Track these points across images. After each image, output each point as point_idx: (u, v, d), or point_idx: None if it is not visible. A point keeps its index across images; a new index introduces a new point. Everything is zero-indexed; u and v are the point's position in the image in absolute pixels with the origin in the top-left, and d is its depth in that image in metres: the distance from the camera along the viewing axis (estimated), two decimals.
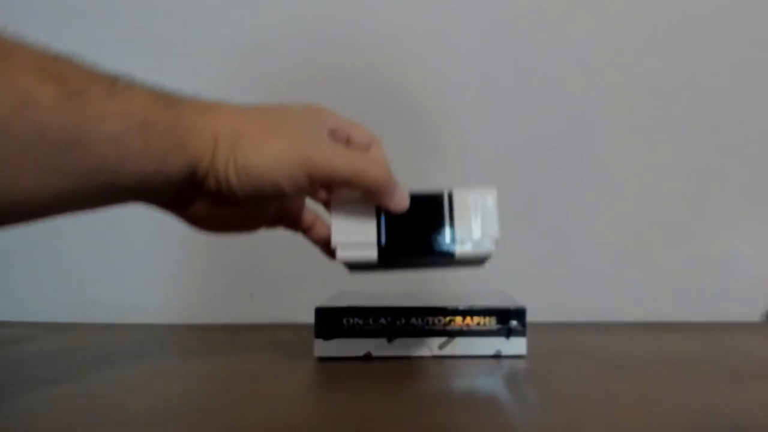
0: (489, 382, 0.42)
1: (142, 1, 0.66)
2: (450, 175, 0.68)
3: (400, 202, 0.35)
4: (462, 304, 0.48)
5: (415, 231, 0.36)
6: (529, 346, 0.49)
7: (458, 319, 0.48)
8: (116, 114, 0.28)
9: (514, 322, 0.48)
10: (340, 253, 0.35)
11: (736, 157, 0.69)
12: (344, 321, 0.46)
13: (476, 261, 0.38)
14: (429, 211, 0.36)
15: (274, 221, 0.40)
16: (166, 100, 0.30)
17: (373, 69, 0.67)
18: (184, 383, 0.41)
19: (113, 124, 0.27)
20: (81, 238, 0.67)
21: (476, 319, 0.48)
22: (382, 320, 0.47)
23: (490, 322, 0.48)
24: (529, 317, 0.49)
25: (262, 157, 0.31)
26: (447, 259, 0.37)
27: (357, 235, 0.35)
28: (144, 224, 0.67)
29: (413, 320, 0.48)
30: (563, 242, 0.69)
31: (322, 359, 0.46)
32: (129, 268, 0.69)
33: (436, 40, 0.67)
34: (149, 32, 0.67)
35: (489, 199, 0.37)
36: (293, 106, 0.36)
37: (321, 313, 0.47)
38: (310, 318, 0.47)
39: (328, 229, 0.37)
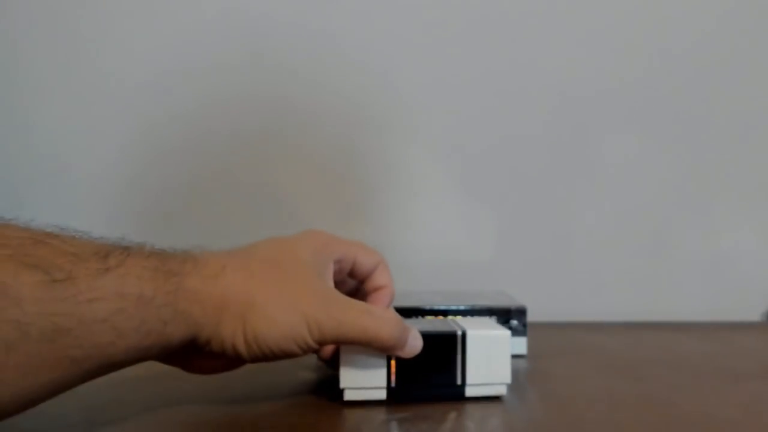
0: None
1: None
2: (450, 174, 0.68)
3: (412, 351, 0.35)
4: (462, 304, 0.48)
5: (425, 371, 0.35)
6: (530, 345, 0.49)
7: (459, 318, 0.48)
8: (109, 294, 0.26)
9: (514, 322, 0.48)
10: (348, 396, 0.35)
11: (736, 156, 0.69)
12: None
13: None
14: (440, 351, 0.36)
15: None
16: (167, 269, 0.29)
17: (370, 64, 0.67)
18: (184, 383, 0.41)
19: (106, 305, 0.26)
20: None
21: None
22: None
23: None
24: (530, 317, 0.49)
25: (275, 329, 0.31)
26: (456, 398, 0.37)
27: (366, 380, 0.35)
28: (143, 224, 0.67)
29: (414, 320, 0.48)
30: (563, 242, 0.69)
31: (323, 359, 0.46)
32: None
33: (437, 39, 0.67)
34: (140, 29, 0.66)
35: (501, 342, 0.37)
36: (297, 243, 0.36)
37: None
38: None
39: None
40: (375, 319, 0.33)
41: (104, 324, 0.26)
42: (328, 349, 0.37)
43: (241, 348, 0.31)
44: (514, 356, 0.48)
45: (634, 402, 0.37)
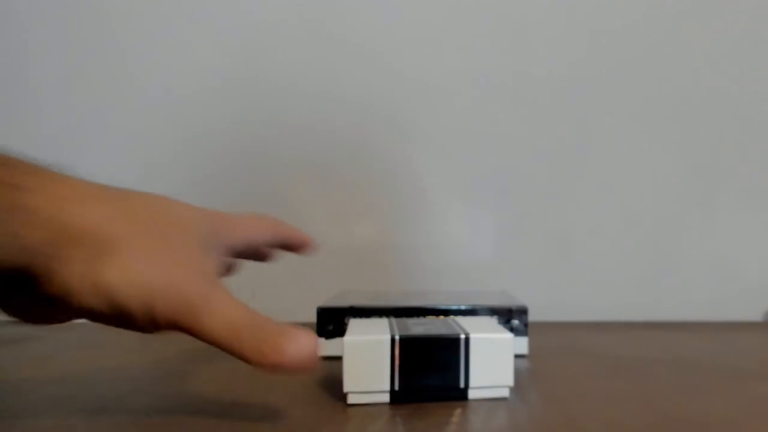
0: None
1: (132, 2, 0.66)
2: (450, 175, 0.68)
3: (291, 361, 0.27)
4: (464, 304, 0.48)
5: (428, 374, 0.36)
6: (531, 345, 0.49)
7: (460, 319, 0.48)
8: None
9: (515, 322, 0.48)
10: (352, 399, 0.35)
11: (738, 156, 0.69)
12: (346, 320, 0.47)
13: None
14: (443, 354, 0.36)
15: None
16: (8, 181, 0.25)
17: (370, 65, 0.67)
18: (185, 383, 0.41)
19: None
20: None
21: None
22: None
23: None
24: (531, 317, 0.49)
25: (129, 285, 0.25)
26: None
27: (369, 383, 0.35)
28: None
29: (415, 320, 0.48)
30: (564, 242, 0.69)
31: (324, 359, 0.46)
32: None
33: (440, 41, 0.67)
34: (139, 31, 0.67)
35: (504, 345, 0.37)
36: (193, 211, 0.31)
37: (323, 312, 0.47)
38: (312, 317, 0.47)
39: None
40: (244, 321, 0.27)
41: None
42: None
43: (86, 296, 0.25)
44: (515, 356, 0.48)
45: (634, 402, 0.37)
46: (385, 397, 0.35)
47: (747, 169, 0.70)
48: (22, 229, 0.24)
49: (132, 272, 0.25)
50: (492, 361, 0.36)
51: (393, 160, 0.68)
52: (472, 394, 0.36)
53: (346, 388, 0.35)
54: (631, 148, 0.69)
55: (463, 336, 0.36)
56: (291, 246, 0.39)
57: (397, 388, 0.35)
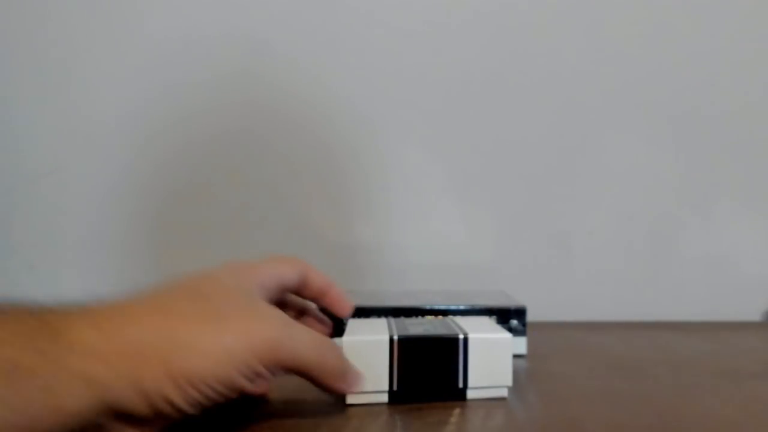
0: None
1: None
2: (450, 174, 0.68)
3: (351, 388, 0.33)
4: (462, 304, 0.48)
5: (427, 375, 0.36)
6: (529, 345, 0.49)
7: (458, 318, 0.48)
8: None
9: (514, 322, 0.48)
10: (351, 400, 0.35)
11: (736, 156, 0.69)
12: (344, 321, 0.46)
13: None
14: (442, 355, 0.36)
15: None
16: (51, 329, 0.24)
17: (369, 65, 0.67)
18: None
19: None
20: (81, 237, 0.67)
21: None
22: None
23: None
24: (530, 317, 0.49)
25: (208, 361, 0.26)
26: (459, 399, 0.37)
27: (367, 383, 0.35)
28: (144, 224, 0.67)
29: (414, 320, 0.48)
30: (563, 242, 0.69)
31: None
32: (131, 266, 0.69)
33: (436, 39, 0.67)
34: (135, 28, 0.66)
35: (503, 345, 0.37)
36: (214, 272, 0.31)
37: (322, 313, 0.47)
38: None
39: None
40: (322, 340, 0.31)
41: None
42: (263, 386, 0.35)
43: (174, 396, 0.25)
44: (514, 356, 0.48)
45: (634, 402, 0.37)
46: (384, 398, 0.35)
47: (746, 169, 0.70)
48: (86, 366, 0.24)
49: (201, 350, 0.26)
50: (491, 361, 0.36)
51: (392, 160, 0.68)
52: (470, 394, 0.36)
53: None
54: (630, 148, 0.69)
55: (461, 336, 0.36)
56: (318, 295, 0.39)
57: (395, 388, 0.35)
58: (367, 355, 0.34)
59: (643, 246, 0.69)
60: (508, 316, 0.48)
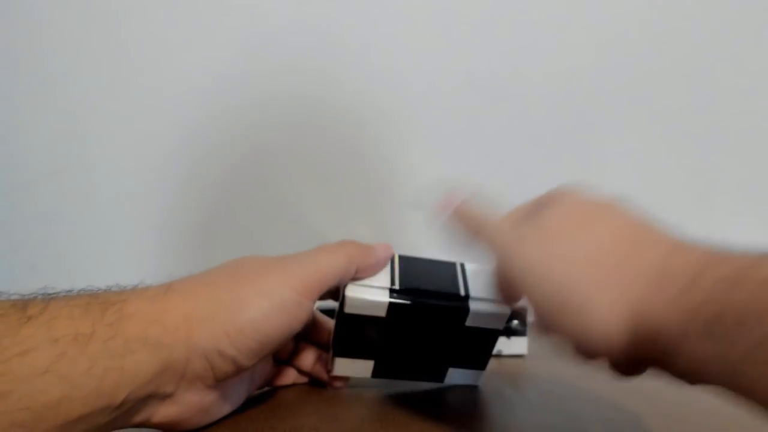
0: (489, 382, 0.41)
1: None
2: (451, 174, 0.68)
3: (384, 254, 0.34)
4: None
5: (428, 280, 0.35)
6: (530, 345, 0.49)
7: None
8: (40, 343, 0.22)
9: (515, 322, 0.48)
10: (350, 292, 0.34)
11: (735, 155, 0.69)
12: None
13: (489, 333, 0.37)
14: (443, 270, 0.36)
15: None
16: (101, 302, 0.25)
17: (372, 65, 0.67)
18: None
19: (40, 355, 0.22)
20: (82, 238, 0.67)
21: None
22: None
23: None
24: (530, 317, 0.49)
25: (256, 309, 0.28)
26: (459, 323, 0.35)
27: (370, 281, 0.34)
28: (145, 224, 0.67)
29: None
30: None
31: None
32: (130, 266, 0.69)
33: (438, 38, 0.67)
34: (144, 30, 0.66)
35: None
36: (250, 256, 0.32)
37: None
38: None
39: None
40: (334, 246, 0.32)
41: (47, 376, 0.22)
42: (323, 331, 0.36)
43: (230, 349, 0.27)
44: (515, 356, 0.48)
45: (634, 401, 0.37)
46: (385, 295, 0.34)
47: (745, 169, 0.70)
48: (144, 330, 0.25)
49: (246, 301, 0.28)
50: (489, 285, 0.36)
51: (393, 160, 0.68)
52: (473, 306, 0.35)
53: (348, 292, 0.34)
54: (631, 146, 0.69)
55: (458, 262, 0.37)
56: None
57: (397, 286, 0.34)
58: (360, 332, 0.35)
59: None
60: (509, 317, 0.48)
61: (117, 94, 0.66)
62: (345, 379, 0.38)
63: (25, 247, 0.68)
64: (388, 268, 0.35)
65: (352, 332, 0.34)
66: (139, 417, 0.26)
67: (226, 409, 0.31)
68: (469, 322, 0.35)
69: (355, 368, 0.36)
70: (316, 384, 0.39)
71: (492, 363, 0.46)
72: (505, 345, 0.48)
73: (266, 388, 0.37)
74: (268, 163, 0.67)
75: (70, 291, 0.26)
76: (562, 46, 0.68)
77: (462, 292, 0.35)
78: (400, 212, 0.68)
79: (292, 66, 0.67)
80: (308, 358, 0.37)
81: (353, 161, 0.67)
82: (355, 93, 0.67)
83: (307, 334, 0.37)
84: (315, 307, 0.36)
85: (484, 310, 0.35)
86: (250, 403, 0.35)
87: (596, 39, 0.68)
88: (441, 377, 0.38)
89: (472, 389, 0.40)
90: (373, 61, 0.67)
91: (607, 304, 0.23)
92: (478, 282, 0.36)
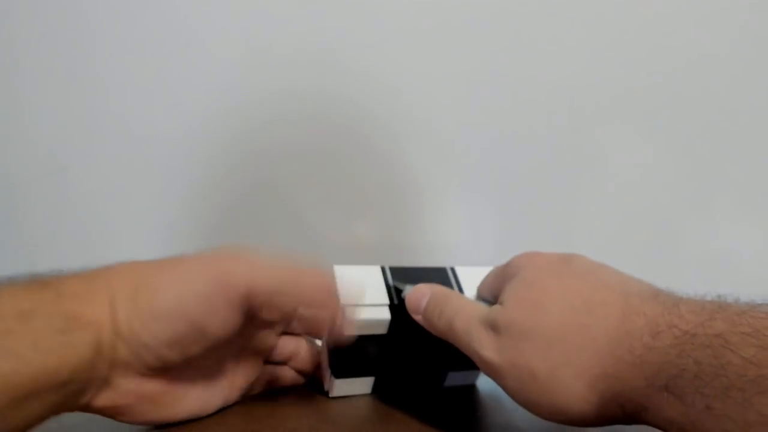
0: (489, 381, 0.41)
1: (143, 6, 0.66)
2: (449, 174, 0.68)
3: (343, 330, 0.32)
4: None
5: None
6: None
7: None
8: None
9: None
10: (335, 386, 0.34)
11: (736, 155, 0.69)
12: None
13: None
14: (433, 279, 0.35)
15: (240, 381, 0.34)
16: (40, 282, 0.26)
17: (372, 64, 0.67)
18: None
19: None
20: (83, 238, 0.67)
21: None
22: None
23: None
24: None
25: (167, 292, 0.27)
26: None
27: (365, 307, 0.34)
28: (144, 225, 0.67)
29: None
30: (564, 242, 0.69)
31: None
32: None
33: (438, 38, 0.67)
34: (149, 37, 0.66)
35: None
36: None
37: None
38: None
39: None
40: (299, 265, 0.30)
41: None
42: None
43: (144, 333, 0.26)
44: None
45: None
46: (386, 312, 0.33)
47: (745, 169, 0.70)
48: (79, 308, 0.26)
49: (164, 284, 0.28)
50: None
51: (393, 160, 0.68)
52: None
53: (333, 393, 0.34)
54: (631, 148, 0.69)
55: (449, 268, 0.37)
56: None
57: (396, 300, 0.34)
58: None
59: (643, 245, 0.69)
60: None
61: (117, 94, 0.66)
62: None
63: (25, 247, 0.68)
64: (381, 283, 0.34)
65: (351, 351, 0.33)
66: (82, 400, 0.27)
67: (190, 403, 0.30)
68: None
69: (354, 387, 0.36)
70: (316, 384, 0.39)
71: None
72: None
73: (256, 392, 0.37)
74: (267, 164, 0.67)
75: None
76: (563, 45, 0.68)
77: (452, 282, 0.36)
78: (400, 212, 0.68)
79: (291, 65, 0.67)
80: (301, 353, 0.36)
81: (353, 161, 0.67)
82: (354, 91, 0.67)
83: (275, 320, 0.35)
84: None
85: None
86: (249, 404, 0.35)
87: (597, 39, 0.68)
88: (441, 382, 0.38)
89: (471, 389, 0.40)
90: (373, 59, 0.67)
91: (572, 378, 0.25)
92: (470, 283, 0.36)
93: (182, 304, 0.27)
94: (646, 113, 0.69)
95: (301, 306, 0.30)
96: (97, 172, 0.67)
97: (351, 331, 0.32)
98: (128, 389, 0.28)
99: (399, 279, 0.35)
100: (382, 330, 0.34)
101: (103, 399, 0.27)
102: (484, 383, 0.41)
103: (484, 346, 0.28)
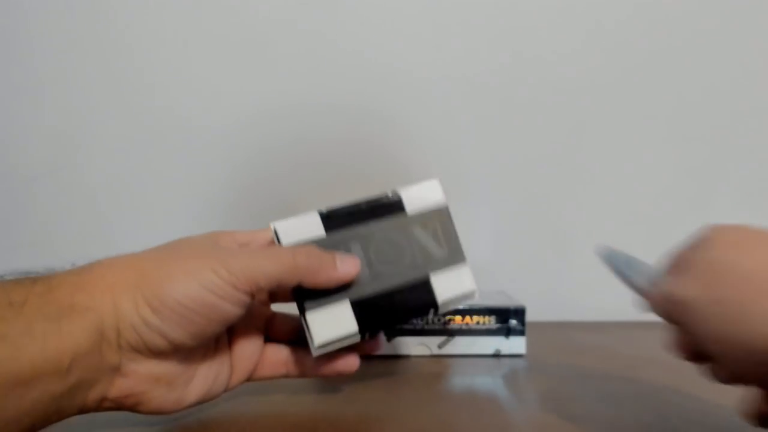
0: (488, 381, 0.42)
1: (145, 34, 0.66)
2: (449, 174, 0.68)
3: (346, 273, 0.33)
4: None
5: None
6: (529, 345, 0.49)
7: (458, 318, 0.48)
8: None
9: (513, 321, 0.48)
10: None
11: (735, 155, 0.69)
12: None
13: (436, 214, 0.39)
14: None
15: (245, 361, 0.35)
16: (31, 277, 0.27)
17: (368, 65, 0.67)
18: None
19: None
20: (82, 238, 0.67)
21: (476, 318, 0.48)
22: None
23: (489, 321, 0.48)
24: (529, 316, 0.49)
25: (176, 282, 0.28)
26: (401, 214, 0.38)
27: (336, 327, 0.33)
28: (145, 225, 0.67)
29: (413, 319, 0.48)
30: (562, 241, 0.69)
31: None
32: None
33: (437, 38, 0.67)
34: (145, 30, 0.66)
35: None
36: (187, 238, 0.34)
37: None
38: None
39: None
40: (285, 250, 0.32)
41: None
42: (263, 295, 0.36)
43: (154, 319, 0.27)
44: (514, 356, 0.48)
45: (633, 401, 0.37)
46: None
47: (744, 169, 0.70)
48: (72, 297, 0.26)
49: (167, 274, 0.28)
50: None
51: (392, 160, 0.68)
52: (404, 192, 0.39)
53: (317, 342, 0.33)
54: (629, 147, 0.69)
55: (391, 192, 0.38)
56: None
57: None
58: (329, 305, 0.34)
59: (642, 246, 0.69)
60: (507, 316, 0.48)
61: (118, 94, 0.66)
62: (334, 369, 0.35)
63: (25, 247, 0.68)
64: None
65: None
66: (95, 392, 0.27)
67: (201, 381, 0.31)
68: (409, 209, 0.38)
69: (335, 323, 0.33)
70: (315, 383, 0.39)
71: (491, 363, 0.46)
72: (504, 344, 0.48)
73: (258, 381, 0.37)
74: (267, 164, 0.67)
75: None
76: (561, 45, 0.68)
77: (389, 194, 0.38)
78: None
79: (291, 68, 0.67)
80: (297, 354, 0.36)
81: (353, 162, 0.67)
82: (353, 93, 0.67)
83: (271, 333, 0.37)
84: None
85: (417, 194, 0.38)
86: (249, 403, 0.35)
87: (596, 38, 0.68)
88: (431, 294, 0.35)
89: (470, 389, 0.40)
90: (371, 61, 0.67)
91: None
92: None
93: (189, 292, 0.28)
94: (646, 113, 0.69)
95: (301, 283, 0.32)
96: (97, 172, 0.67)
97: (353, 272, 0.34)
98: (141, 374, 0.28)
99: (337, 220, 0.37)
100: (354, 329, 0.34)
101: (118, 388, 0.28)
102: (484, 383, 0.41)
103: (690, 302, 0.28)
